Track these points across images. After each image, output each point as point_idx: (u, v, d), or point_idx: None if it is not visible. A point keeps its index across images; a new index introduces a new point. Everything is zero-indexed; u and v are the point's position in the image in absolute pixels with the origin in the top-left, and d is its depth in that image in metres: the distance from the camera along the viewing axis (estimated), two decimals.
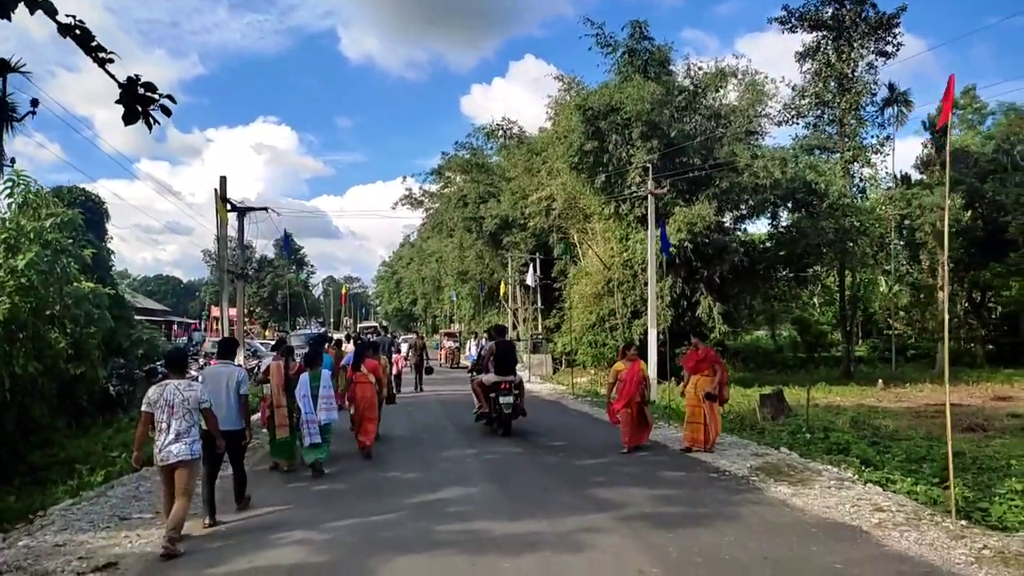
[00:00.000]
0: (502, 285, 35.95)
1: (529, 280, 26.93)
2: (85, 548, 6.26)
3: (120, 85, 3.82)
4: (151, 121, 3.89)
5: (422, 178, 50.40)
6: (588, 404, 17.60)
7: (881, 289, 38.38)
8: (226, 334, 18.23)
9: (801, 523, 6.61)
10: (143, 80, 3.86)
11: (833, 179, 25.82)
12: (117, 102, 3.82)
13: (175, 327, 53.98)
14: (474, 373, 13.91)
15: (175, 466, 6.18)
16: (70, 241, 14.76)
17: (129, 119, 3.86)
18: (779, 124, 31.81)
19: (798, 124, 32.50)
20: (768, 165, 23.77)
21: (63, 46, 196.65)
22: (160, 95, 3.87)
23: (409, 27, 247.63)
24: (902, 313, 37.42)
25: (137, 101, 3.84)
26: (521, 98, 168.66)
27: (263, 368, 13.27)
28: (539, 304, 38.13)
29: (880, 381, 26.92)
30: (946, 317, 9.55)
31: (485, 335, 21.22)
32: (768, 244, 28.16)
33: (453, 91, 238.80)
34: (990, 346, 36.56)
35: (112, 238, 19.72)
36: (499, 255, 40.12)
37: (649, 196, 20.13)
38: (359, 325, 62.42)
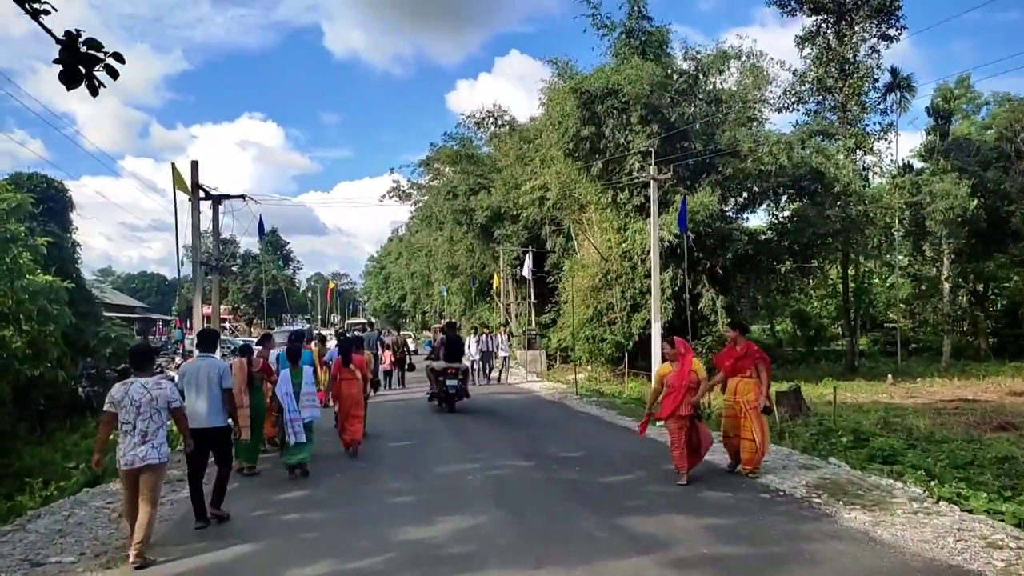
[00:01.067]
0: (495, 278, 34.71)
1: (525, 271, 25.75)
2: None
3: (58, 42, 3.44)
4: (95, 84, 3.52)
5: (410, 170, 49.05)
6: (595, 405, 15.76)
7: (878, 281, 37.52)
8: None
9: (906, 568, 5.13)
10: (85, 36, 3.48)
11: (843, 164, 24.75)
12: (56, 62, 3.45)
13: (159, 325, 52.34)
14: (429, 361, 16.60)
15: (140, 471, 5.66)
16: (22, 229, 13.50)
17: (70, 81, 3.47)
18: (779, 110, 30.93)
19: (798, 110, 31.57)
20: (773, 150, 22.70)
21: (43, 41, 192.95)
22: (106, 53, 3.50)
23: (394, 21, 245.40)
24: (902, 305, 36.59)
25: (79, 61, 3.47)
26: (507, 93, 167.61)
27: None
28: (532, 298, 36.95)
29: (889, 376, 25.96)
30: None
31: (486, 330, 21.84)
32: (770, 234, 27.09)
33: (439, 86, 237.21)
34: (993, 339, 35.78)
35: (77, 228, 18.42)
36: (490, 248, 38.88)
37: (651, 182, 18.96)
38: (347, 321, 61.01)
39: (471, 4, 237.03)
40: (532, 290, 37.10)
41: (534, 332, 35.49)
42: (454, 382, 14.42)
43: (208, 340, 7.50)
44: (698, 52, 25.36)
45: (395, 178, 50.50)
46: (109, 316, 21.63)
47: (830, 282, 34.74)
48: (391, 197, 50.13)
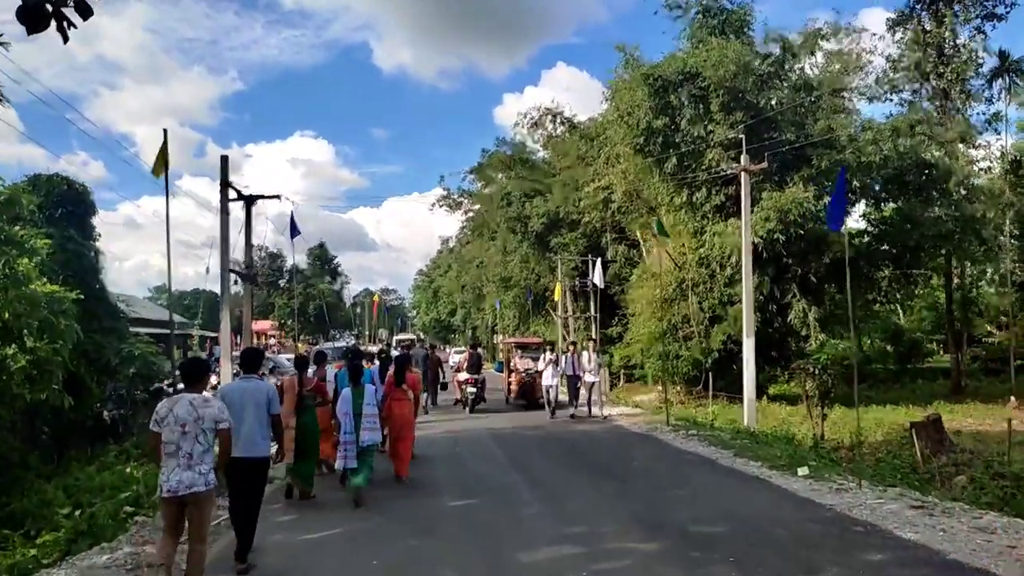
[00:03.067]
0: (557, 288, 32.24)
1: (596, 279, 23.19)
2: None
3: None
4: (66, 27, 3.05)
5: (461, 178, 46.98)
6: (697, 441, 12.31)
7: (986, 290, 33.74)
8: (226, 346, 14.93)
9: None
10: None
11: (961, 154, 21.59)
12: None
13: (195, 340, 51.22)
14: (457, 374, 19.64)
15: (186, 500, 5.13)
16: (18, 230, 11.71)
17: (33, 23, 3.00)
18: (870, 100, 27.74)
19: (891, 100, 28.31)
20: (876, 138, 19.74)
21: (106, 66, 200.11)
22: None
23: (441, 37, 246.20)
24: (1003, 318, 32.78)
25: None
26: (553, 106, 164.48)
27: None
28: (594, 311, 34.37)
29: (1012, 399, 22.52)
30: None
31: (572, 347, 17.93)
32: (867, 237, 23.97)
33: (487, 100, 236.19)
34: None
35: (100, 235, 16.58)
36: (547, 259, 36.50)
37: (741, 175, 16.33)
38: (395, 337, 59.30)
39: (519, 18, 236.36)
40: (595, 302, 34.53)
41: (583, 348, 32.89)
42: (472, 389, 18.22)
43: (252, 360, 6.84)
44: (783, 33, 22.53)
45: (445, 186, 48.57)
46: (140, 332, 19.85)
47: (927, 292, 31.26)
48: (441, 206, 48.22)
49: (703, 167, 21.24)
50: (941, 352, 40.26)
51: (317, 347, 38.37)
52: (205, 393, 5.75)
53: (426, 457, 10.95)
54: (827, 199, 20.25)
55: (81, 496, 11.40)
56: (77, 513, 9.43)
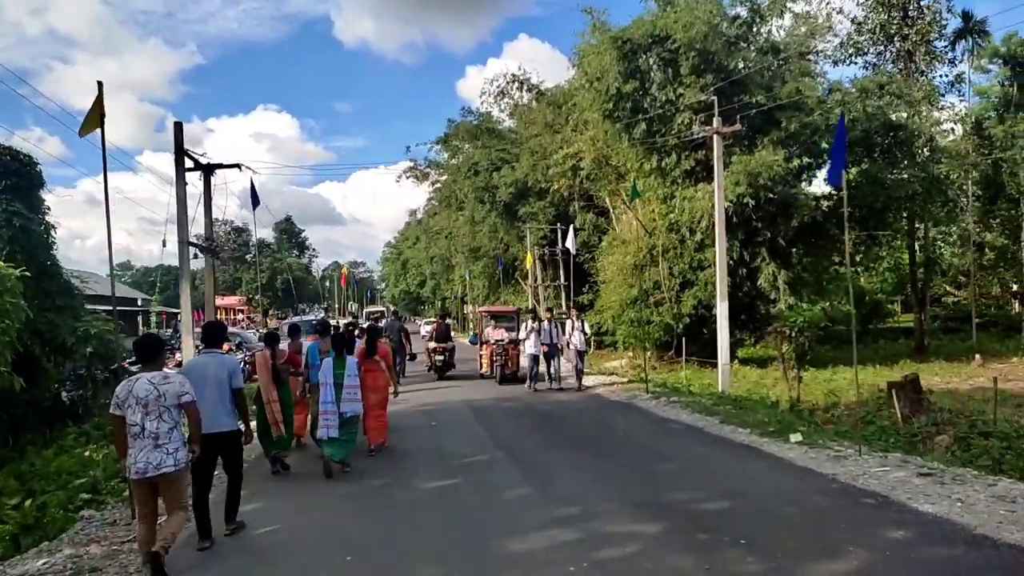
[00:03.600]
0: (528, 257, 32.00)
1: (569, 244, 23.02)
2: None
3: None
4: None
5: (427, 149, 46.24)
6: (680, 408, 12.00)
7: (946, 251, 34.31)
8: (185, 321, 14.42)
9: None
10: None
11: (926, 116, 21.65)
12: None
13: (176, 320, 50.28)
14: (427, 344, 20.64)
15: (155, 480, 5.09)
16: None
17: None
18: (835, 63, 27.82)
19: (856, 63, 28.35)
20: (845, 99, 19.69)
21: (59, 41, 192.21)
22: None
23: (402, 9, 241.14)
24: (963, 278, 33.43)
25: None
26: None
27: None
28: (562, 280, 34.24)
29: (977, 356, 22.99)
30: None
31: (548, 315, 16.67)
32: (834, 199, 24.03)
33: (450, 73, 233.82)
34: None
35: (49, 208, 15.81)
36: (516, 228, 36.20)
37: (714, 137, 16.15)
38: (365, 309, 58.70)
39: None
40: (563, 271, 34.38)
41: (565, 316, 32.86)
42: (440, 357, 19.31)
43: (214, 334, 6.74)
44: None
45: (412, 157, 47.78)
46: (98, 310, 19.15)
47: (888, 253, 31.65)
48: (408, 177, 47.46)
49: (673, 132, 21.02)
50: (899, 312, 41.12)
51: (287, 320, 37.73)
52: (164, 370, 5.62)
53: (399, 429, 10.69)
54: (797, 162, 20.35)
55: (35, 483, 10.96)
56: (28, 503, 9.02)
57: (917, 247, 27.70)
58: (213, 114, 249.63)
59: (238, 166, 15.48)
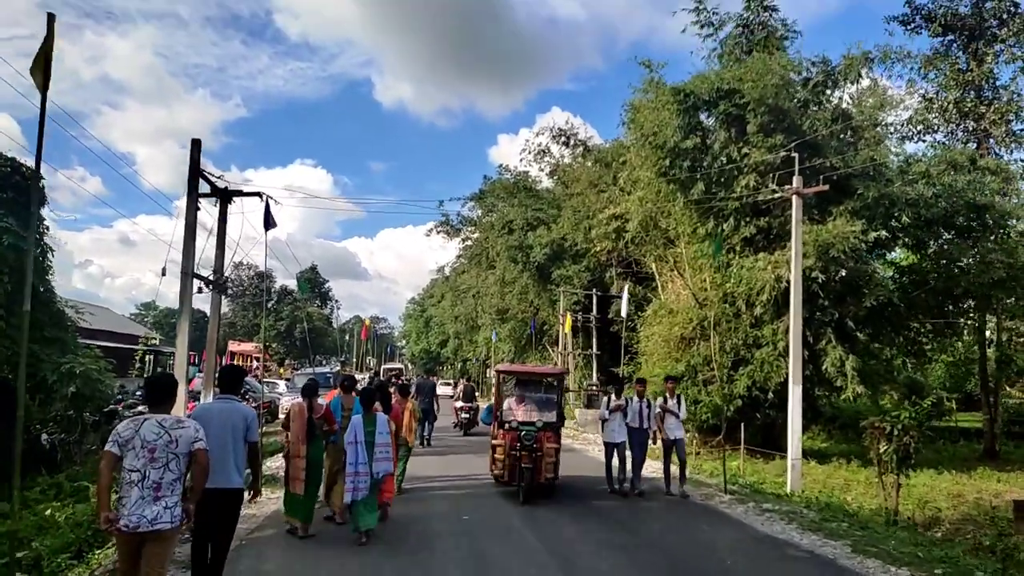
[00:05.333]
0: (567, 320, 30.08)
1: (623, 309, 21.06)
2: None
3: None
4: None
5: (461, 203, 45.08)
6: (784, 520, 9.47)
7: None
8: (171, 369, 12.49)
9: None
10: None
11: (1020, 196, 19.67)
12: None
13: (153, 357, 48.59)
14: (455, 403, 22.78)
15: (146, 538, 4.44)
16: None
17: None
18: (903, 139, 25.99)
19: (924, 141, 26.60)
20: (930, 170, 17.81)
21: (110, 85, 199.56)
22: None
23: (443, 75, 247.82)
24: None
25: None
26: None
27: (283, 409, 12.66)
28: (595, 349, 32.14)
29: None
30: None
31: (639, 387, 12.14)
32: (905, 280, 21.90)
33: (483, 140, 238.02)
34: None
35: (48, 229, 14.31)
36: (548, 291, 34.43)
37: (793, 198, 14.28)
38: (383, 366, 56.71)
39: (518, 61, 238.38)
40: (595, 340, 32.32)
41: (595, 388, 30.63)
42: (467, 416, 21.60)
43: (232, 379, 6.14)
44: (824, 58, 20.69)
45: (444, 212, 46.63)
46: (92, 345, 17.45)
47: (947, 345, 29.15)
48: (439, 232, 46.23)
49: (734, 194, 19.24)
50: (955, 411, 38.16)
51: (301, 372, 35.83)
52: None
53: (421, 520, 8.54)
54: (873, 235, 18.32)
55: None
56: None
57: (990, 341, 25.25)
58: (251, 165, 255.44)
59: (259, 194, 13.86)
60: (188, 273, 12.32)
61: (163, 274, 12.27)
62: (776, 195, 15.39)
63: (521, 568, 7.03)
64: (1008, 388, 34.01)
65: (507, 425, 10.90)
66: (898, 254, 23.53)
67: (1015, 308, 23.73)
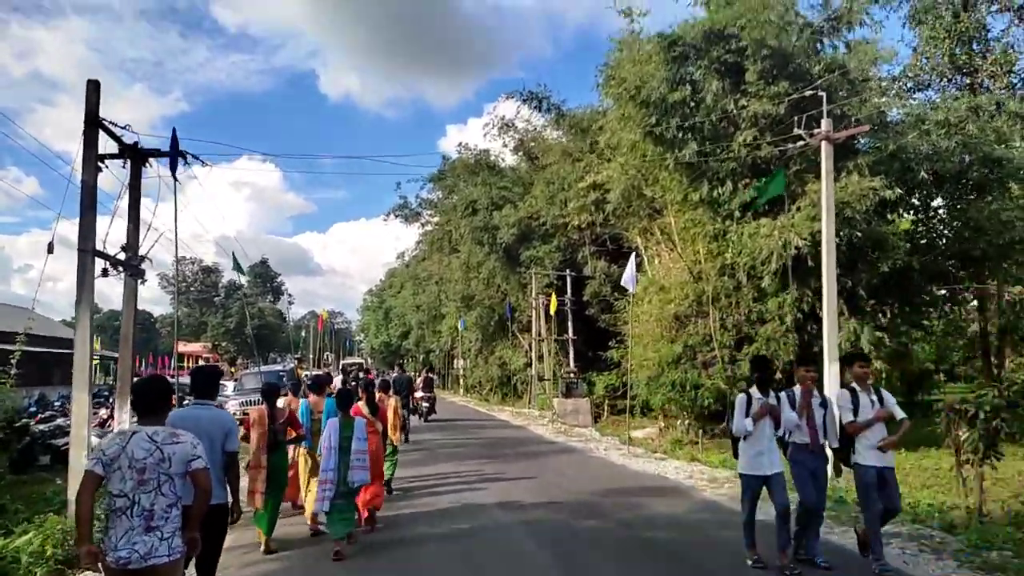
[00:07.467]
0: (552, 301, 27.90)
1: (627, 282, 18.69)
2: None
3: None
4: None
5: (420, 185, 42.38)
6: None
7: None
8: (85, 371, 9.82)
9: None
10: None
11: None
12: None
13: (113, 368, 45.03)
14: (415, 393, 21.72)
15: (141, 573, 3.76)
16: None
17: None
18: (897, 96, 24.26)
19: (914, 99, 24.95)
20: (949, 118, 16.00)
21: (44, 83, 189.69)
22: None
23: (389, 65, 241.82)
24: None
25: None
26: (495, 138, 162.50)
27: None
28: (570, 334, 29.98)
29: None
30: None
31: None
32: (921, 240, 20.06)
33: (432, 131, 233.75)
34: None
35: None
36: (517, 273, 32.16)
37: (822, 145, 12.23)
38: (343, 361, 53.86)
39: (465, 50, 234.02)
40: (570, 324, 30.15)
41: (573, 376, 28.53)
42: (426, 405, 24.12)
43: (208, 382, 5.48)
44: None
45: (402, 195, 43.90)
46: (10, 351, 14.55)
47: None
48: (396, 216, 43.50)
49: (729, 154, 17.19)
50: (943, 383, 37.13)
51: (247, 372, 32.92)
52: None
53: (416, 543, 6.31)
54: (889, 193, 16.42)
55: None
56: None
57: (994, 308, 23.77)
58: (196, 160, 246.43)
59: (182, 154, 11.17)
60: (87, 251, 9.64)
61: (49, 251, 9.55)
62: (803, 144, 13.23)
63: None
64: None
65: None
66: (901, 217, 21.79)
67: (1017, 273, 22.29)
